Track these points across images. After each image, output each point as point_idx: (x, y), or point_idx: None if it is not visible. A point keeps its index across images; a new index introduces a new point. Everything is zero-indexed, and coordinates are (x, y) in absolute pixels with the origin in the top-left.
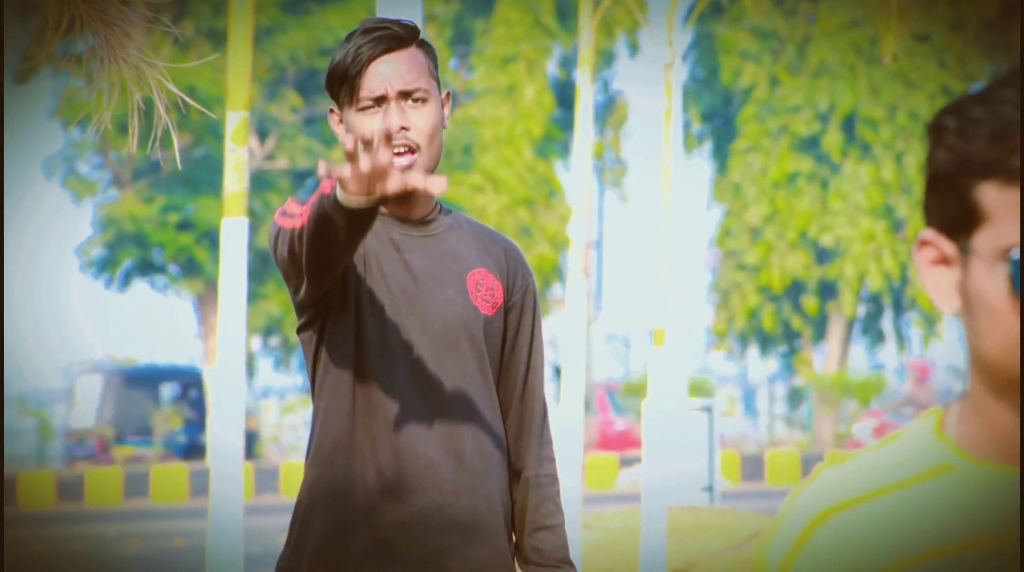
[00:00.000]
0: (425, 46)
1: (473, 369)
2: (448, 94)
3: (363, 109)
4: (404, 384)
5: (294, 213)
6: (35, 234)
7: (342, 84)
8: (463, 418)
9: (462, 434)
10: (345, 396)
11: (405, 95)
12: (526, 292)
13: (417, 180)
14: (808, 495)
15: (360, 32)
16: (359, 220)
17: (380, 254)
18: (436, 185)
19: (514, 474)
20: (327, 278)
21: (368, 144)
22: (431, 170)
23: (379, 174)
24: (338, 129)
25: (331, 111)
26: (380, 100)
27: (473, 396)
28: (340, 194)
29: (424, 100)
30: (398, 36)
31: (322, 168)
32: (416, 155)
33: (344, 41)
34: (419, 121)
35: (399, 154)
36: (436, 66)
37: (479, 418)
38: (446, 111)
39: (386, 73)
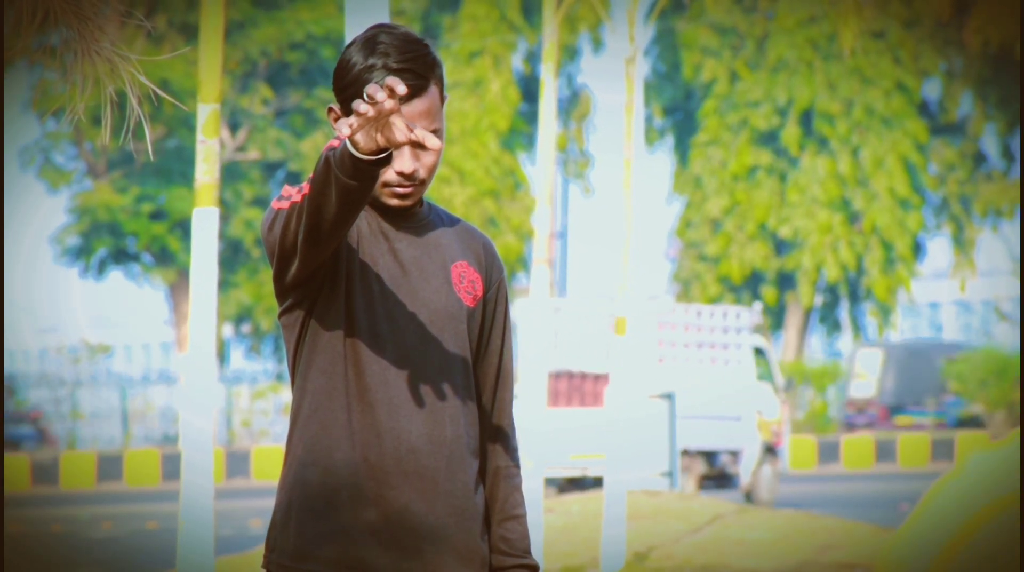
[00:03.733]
0: (439, 74)
1: (457, 359)
2: (446, 98)
3: None
4: (390, 370)
5: (291, 194)
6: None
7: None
8: (445, 405)
9: (444, 421)
10: (331, 379)
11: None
12: (500, 287)
13: (418, 134)
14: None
15: (383, 66)
16: (366, 175)
17: (370, 242)
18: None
19: (483, 463)
20: (320, 253)
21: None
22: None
23: (385, 125)
24: (335, 121)
25: (330, 110)
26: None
27: (456, 384)
28: (350, 147)
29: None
30: (421, 79)
31: (343, 125)
32: (418, 186)
33: (361, 50)
34: (428, 159)
35: (405, 188)
36: (443, 81)
37: (460, 406)
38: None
39: (404, 119)
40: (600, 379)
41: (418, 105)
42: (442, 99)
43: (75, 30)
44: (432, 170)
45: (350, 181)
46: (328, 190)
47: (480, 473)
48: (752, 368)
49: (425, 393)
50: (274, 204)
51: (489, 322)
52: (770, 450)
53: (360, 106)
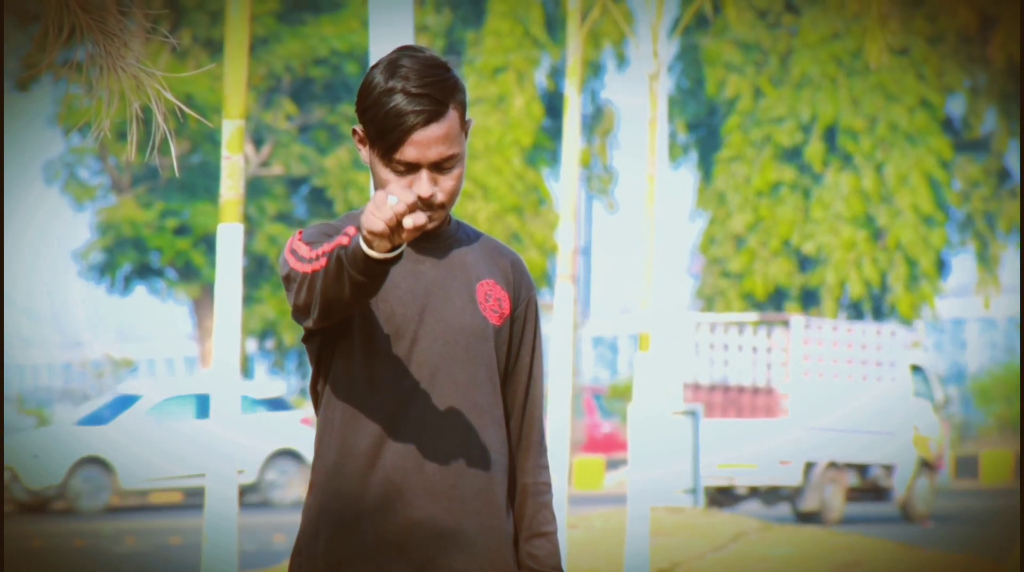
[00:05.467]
0: (459, 98)
1: (483, 377)
2: (470, 122)
3: (392, 167)
4: (416, 391)
5: (305, 256)
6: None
7: (376, 133)
8: (473, 425)
9: (471, 440)
10: (356, 402)
11: (438, 165)
12: (528, 304)
13: (420, 219)
14: None
15: (401, 90)
16: (379, 273)
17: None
18: (436, 220)
19: (513, 481)
20: (334, 321)
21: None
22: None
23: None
24: (359, 142)
25: (354, 131)
26: (413, 166)
27: (483, 404)
28: (364, 247)
29: (455, 163)
30: (439, 104)
31: (350, 232)
32: (438, 210)
33: (383, 72)
34: (448, 183)
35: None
36: (466, 106)
37: (488, 426)
38: (466, 140)
39: (423, 146)
40: (759, 392)
41: (436, 130)
42: (463, 123)
43: (101, 46)
44: (453, 194)
45: (362, 277)
46: (341, 285)
47: (510, 491)
48: (908, 384)
49: (452, 413)
50: (289, 260)
51: (518, 339)
52: (928, 465)
53: (376, 225)
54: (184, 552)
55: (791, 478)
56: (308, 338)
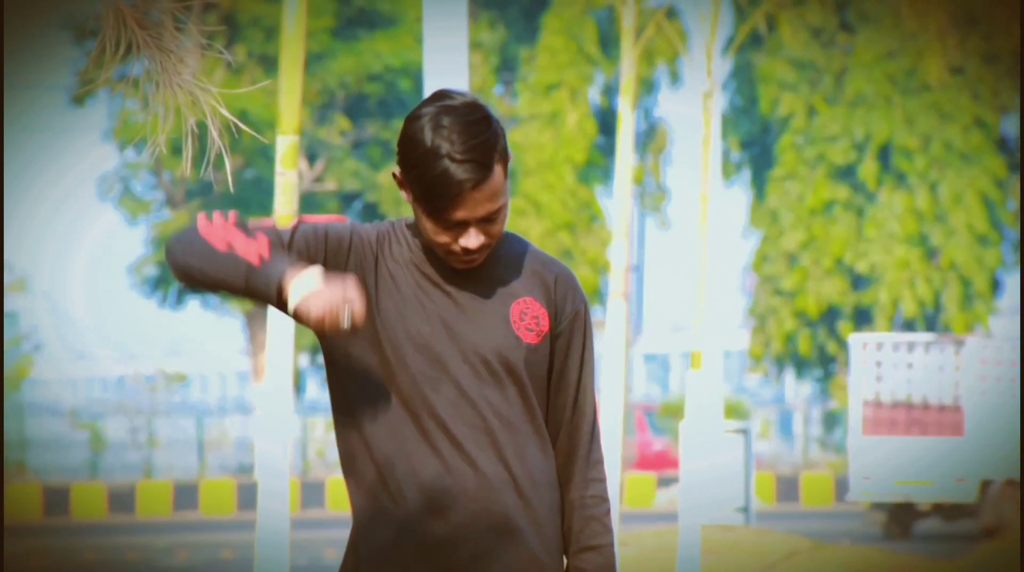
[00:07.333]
0: (501, 149)
1: (514, 396)
2: (510, 158)
3: (439, 223)
4: (447, 412)
5: (236, 244)
6: (88, 251)
7: (422, 193)
8: (508, 445)
9: (508, 460)
10: (385, 423)
11: (484, 218)
12: (575, 318)
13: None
14: None
15: (447, 155)
16: (281, 308)
17: (424, 289)
18: (479, 261)
19: (562, 495)
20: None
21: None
22: None
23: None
24: (400, 185)
25: (395, 174)
26: (461, 223)
27: (516, 422)
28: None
29: (500, 211)
30: (485, 168)
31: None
32: (484, 250)
33: (427, 130)
34: (493, 229)
35: (471, 255)
36: (507, 151)
37: (524, 443)
38: (508, 179)
39: (471, 207)
40: (945, 410)
41: (484, 191)
42: (506, 171)
43: (157, 62)
44: (497, 235)
45: (265, 303)
46: (240, 287)
47: (562, 505)
48: None
49: (485, 434)
50: (210, 229)
51: (562, 354)
52: None
53: (312, 317)
54: (236, 566)
55: (967, 495)
56: (328, 365)
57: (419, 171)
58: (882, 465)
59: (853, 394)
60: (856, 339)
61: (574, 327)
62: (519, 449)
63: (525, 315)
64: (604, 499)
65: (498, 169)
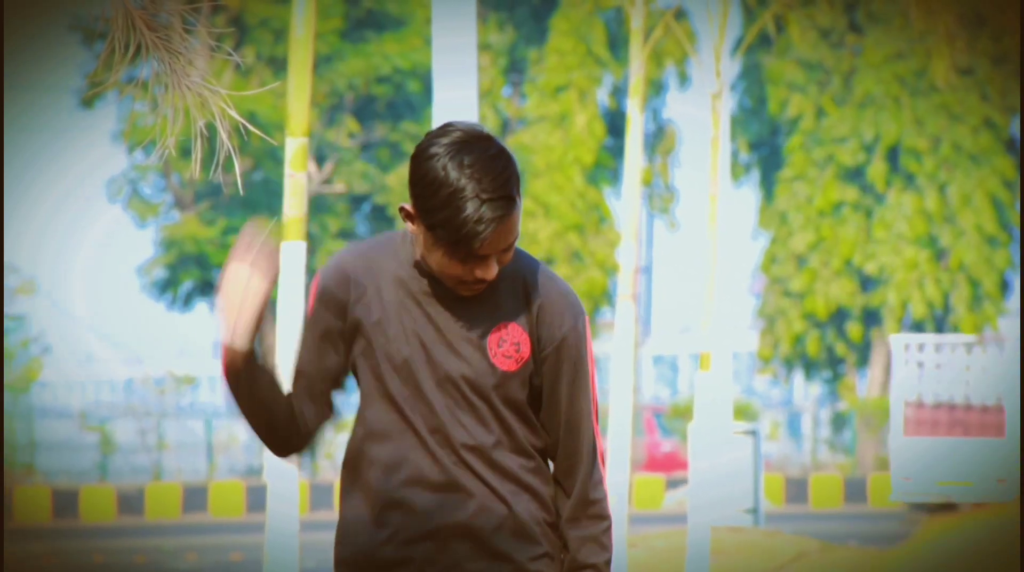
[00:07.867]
0: (519, 179)
1: (489, 418)
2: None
3: (458, 258)
4: (425, 436)
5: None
6: (96, 253)
7: (447, 234)
8: (478, 462)
9: (486, 484)
10: (373, 439)
11: (504, 249)
12: (561, 344)
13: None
14: None
15: (474, 195)
16: (235, 372)
17: (406, 307)
18: (484, 286)
19: (560, 514)
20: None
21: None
22: None
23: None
24: (406, 219)
25: (403, 209)
26: (482, 257)
27: (490, 443)
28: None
29: (516, 239)
30: (511, 202)
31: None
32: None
33: (449, 169)
34: (507, 257)
35: (481, 285)
36: (520, 181)
37: (500, 460)
38: None
39: (495, 241)
40: (987, 410)
41: (508, 223)
42: (519, 198)
43: (166, 64)
44: (511, 259)
45: (248, 374)
46: (247, 384)
47: (559, 524)
48: None
49: (462, 459)
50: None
51: (550, 378)
52: None
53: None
54: (245, 568)
55: (1007, 496)
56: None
57: (447, 212)
58: (924, 465)
59: (895, 394)
60: (898, 340)
61: (561, 351)
62: (496, 466)
63: (504, 342)
64: (603, 517)
65: (517, 198)
